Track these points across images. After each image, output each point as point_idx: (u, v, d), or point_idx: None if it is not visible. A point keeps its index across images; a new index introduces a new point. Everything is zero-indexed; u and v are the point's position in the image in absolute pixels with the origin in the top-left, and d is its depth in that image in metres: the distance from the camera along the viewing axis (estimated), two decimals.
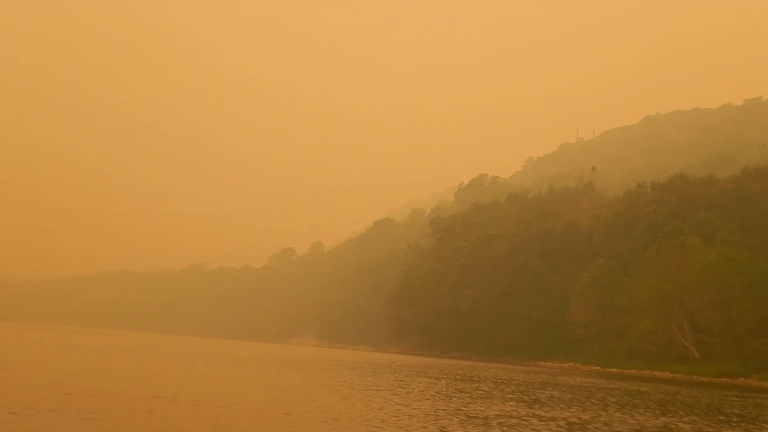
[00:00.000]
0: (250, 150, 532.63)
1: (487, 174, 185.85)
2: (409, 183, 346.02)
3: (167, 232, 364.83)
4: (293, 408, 21.35)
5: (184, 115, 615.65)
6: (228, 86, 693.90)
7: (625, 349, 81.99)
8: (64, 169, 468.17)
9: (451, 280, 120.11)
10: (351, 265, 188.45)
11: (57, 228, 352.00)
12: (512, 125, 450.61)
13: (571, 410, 25.26)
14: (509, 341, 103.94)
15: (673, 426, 22.43)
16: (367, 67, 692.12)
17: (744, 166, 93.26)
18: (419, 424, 19.02)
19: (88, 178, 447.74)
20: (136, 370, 36.06)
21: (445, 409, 22.95)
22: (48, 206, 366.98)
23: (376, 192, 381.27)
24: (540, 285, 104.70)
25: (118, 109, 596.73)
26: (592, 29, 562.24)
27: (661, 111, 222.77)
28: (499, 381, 43.00)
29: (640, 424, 22.47)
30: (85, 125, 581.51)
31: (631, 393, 38.93)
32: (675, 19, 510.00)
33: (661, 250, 77.78)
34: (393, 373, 45.06)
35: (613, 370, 78.43)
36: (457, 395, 29.19)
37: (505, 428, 19.08)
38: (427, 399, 26.68)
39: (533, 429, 19.27)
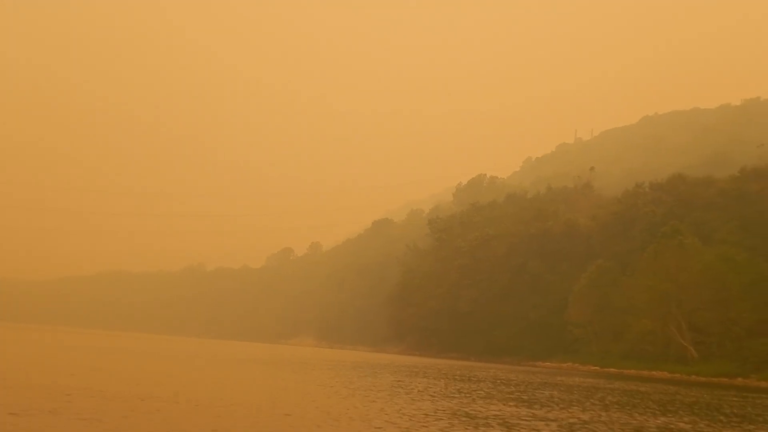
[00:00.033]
0: (250, 150, 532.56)
1: (486, 174, 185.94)
2: (408, 183, 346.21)
3: (166, 232, 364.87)
4: (293, 408, 21.36)
5: (183, 115, 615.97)
6: (228, 86, 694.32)
7: (624, 349, 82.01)
8: (64, 169, 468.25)
9: (449, 281, 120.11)
10: (348, 265, 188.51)
11: (56, 228, 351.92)
12: (511, 125, 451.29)
13: (570, 410, 25.29)
14: (507, 341, 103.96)
15: (672, 426, 22.46)
16: (367, 67, 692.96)
17: (742, 166, 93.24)
18: (420, 424, 19.04)
19: (87, 178, 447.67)
20: (136, 371, 36.07)
21: (444, 410, 22.97)
22: (47, 206, 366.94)
23: (375, 192, 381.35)
24: (538, 285, 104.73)
25: (117, 109, 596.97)
26: (590, 30, 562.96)
27: (659, 111, 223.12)
28: (498, 381, 43.04)
29: (640, 424, 22.51)
30: (85, 125, 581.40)
31: (630, 393, 38.97)
32: (674, 19, 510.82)
33: (660, 250, 77.78)
34: (392, 374, 45.09)
35: (611, 370, 78.44)
36: (457, 395, 29.22)
37: (505, 429, 19.10)
38: (427, 399, 26.70)
39: (533, 429, 19.30)
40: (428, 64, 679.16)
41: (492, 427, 19.30)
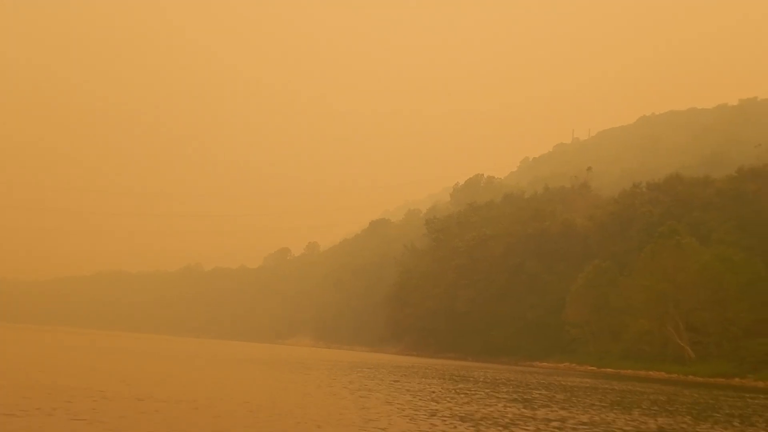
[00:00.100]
0: (249, 150, 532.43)
1: (483, 174, 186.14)
2: (407, 183, 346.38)
3: (165, 232, 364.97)
4: (293, 408, 21.42)
5: (183, 115, 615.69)
6: (228, 86, 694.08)
7: (621, 350, 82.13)
8: (64, 169, 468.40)
9: (446, 281, 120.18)
10: (345, 265, 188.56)
11: (56, 228, 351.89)
12: (509, 125, 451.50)
13: (569, 411, 25.37)
14: (505, 341, 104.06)
15: (671, 426, 22.55)
16: (367, 67, 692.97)
17: (740, 166, 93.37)
18: (419, 424, 19.12)
19: (87, 178, 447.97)
20: (135, 371, 36.11)
21: (443, 410, 23.05)
22: (47, 206, 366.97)
23: (374, 192, 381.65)
24: (535, 285, 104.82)
25: (117, 109, 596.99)
26: (588, 30, 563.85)
27: (656, 111, 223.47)
28: (496, 381, 43.14)
29: (638, 424, 22.59)
30: (85, 125, 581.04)
31: (628, 393, 39.09)
32: (672, 19, 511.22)
33: (657, 251, 77.89)
34: (390, 374, 45.18)
35: (608, 370, 78.54)
36: (455, 395, 29.30)
37: (503, 429, 19.18)
38: (425, 399, 26.78)
39: (531, 429, 19.38)
40: (428, 64, 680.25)
41: (490, 427, 19.38)
